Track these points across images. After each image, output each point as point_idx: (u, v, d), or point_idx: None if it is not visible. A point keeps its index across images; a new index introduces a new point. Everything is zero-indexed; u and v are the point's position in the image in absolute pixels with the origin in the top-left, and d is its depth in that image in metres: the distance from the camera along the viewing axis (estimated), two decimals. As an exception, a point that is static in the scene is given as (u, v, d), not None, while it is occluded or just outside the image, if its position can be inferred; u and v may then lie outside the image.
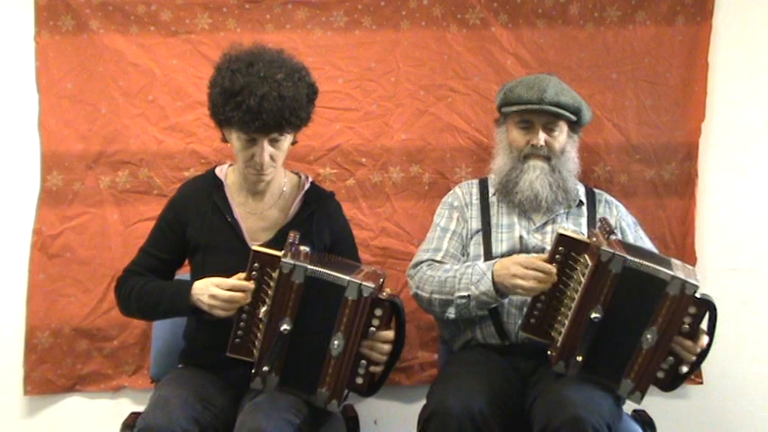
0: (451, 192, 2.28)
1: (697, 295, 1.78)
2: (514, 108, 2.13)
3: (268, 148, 1.89)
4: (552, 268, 1.83)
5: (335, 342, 1.75)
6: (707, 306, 1.80)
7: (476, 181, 2.28)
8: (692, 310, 1.79)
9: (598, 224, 1.98)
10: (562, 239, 1.85)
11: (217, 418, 1.84)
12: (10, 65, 2.53)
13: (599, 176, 2.56)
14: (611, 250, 1.78)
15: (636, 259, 1.78)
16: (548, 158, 2.12)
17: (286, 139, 1.93)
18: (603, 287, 1.79)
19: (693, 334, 1.80)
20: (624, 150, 2.59)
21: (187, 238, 2.00)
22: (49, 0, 2.49)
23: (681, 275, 1.76)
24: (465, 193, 2.24)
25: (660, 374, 1.83)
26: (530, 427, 1.84)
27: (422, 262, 2.13)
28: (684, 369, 1.82)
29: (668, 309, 1.77)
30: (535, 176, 2.11)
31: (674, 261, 1.85)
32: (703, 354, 1.82)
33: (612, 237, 1.84)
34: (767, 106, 2.61)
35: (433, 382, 2.02)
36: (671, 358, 1.82)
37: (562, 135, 2.14)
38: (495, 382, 1.89)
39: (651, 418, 2.09)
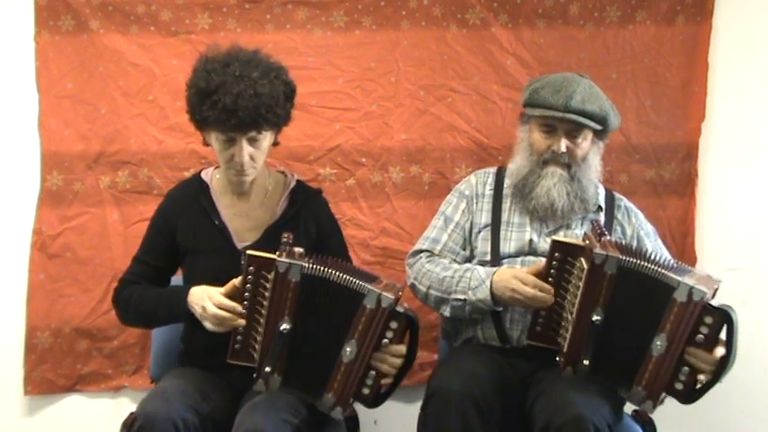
0: (466, 179, 2.24)
1: (714, 304, 1.73)
2: (537, 112, 2.05)
3: (247, 148, 1.89)
4: (550, 288, 1.84)
5: (348, 349, 1.74)
6: (724, 316, 1.73)
7: (493, 170, 2.22)
8: (708, 319, 1.73)
9: (590, 226, 1.96)
10: (556, 246, 1.85)
11: (215, 411, 1.84)
12: (10, 65, 2.53)
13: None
14: (604, 252, 1.77)
15: (632, 260, 1.78)
16: (568, 166, 2.05)
17: (265, 138, 1.92)
18: (601, 289, 1.78)
19: (710, 345, 1.73)
20: (624, 150, 2.58)
21: (177, 243, 2.01)
22: (48, 0, 2.49)
23: (689, 281, 1.72)
24: (480, 182, 2.19)
25: (679, 386, 1.78)
26: (531, 425, 1.85)
27: (420, 251, 2.13)
28: (702, 379, 1.75)
29: (676, 315, 1.73)
30: (553, 183, 2.04)
31: (694, 270, 1.79)
32: (722, 366, 1.73)
33: (605, 238, 1.83)
34: (767, 106, 2.61)
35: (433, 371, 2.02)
36: (686, 368, 1.76)
37: (585, 142, 2.06)
38: (496, 371, 1.90)
39: (651, 419, 2.09)
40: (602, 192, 2.18)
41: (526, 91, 2.12)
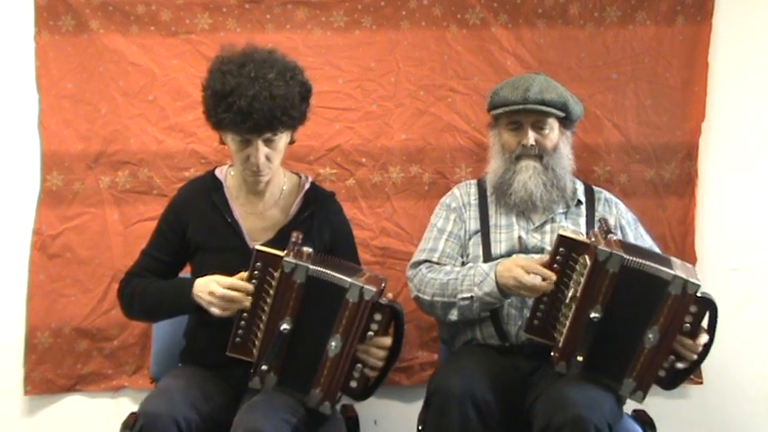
0: (449, 193, 2.27)
1: (698, 294, 1.79)
2: (500, 110, 2.12)
3: (263, 149, 1.89)
4: (551, 274, 1.84)
5: (333, 343, 1.75)
6: (708, 305, 1.81)
7: (474, 181, 2.28)
8: (693, 308, 1.80)
9: (597, 224, 1.98)
10: (562, 240, 1.85)
11: (216, 411, 1.84)
12: (10, 65, 2.53)
13: (599, 176, 2.56)
14: (608, 249, 1.78)
15: (635, 258, 1.79)
16: (539, 157, 2.11)
17: (281, 139, 1.92)
18: (602, 287, 1.80)
19: (694, 333, 1.81)
20: (624, 150, 2.59)
21: (187, 239, 2.00)
22: (48, 0, 2.49)
23: (682, 275, 1.77)
24: (463, 193, 2.24)
25: (662, 373, 1.85)
26: (530, 425, 1.85)
27: (420, 263, 2.13)
28: (681, 365, 1.84)
29: (670, 308, 1.78)
30: (528, 176, 2.10)
31: (674, 260, 1.86)
32: (704, 352, 1.84)
33: (611, 236, 1.84)
34: (767, 106, 2.61)
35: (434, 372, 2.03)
36: (672, 357, 1.83)
37: (553, 132, 2.13)
38: (496, 372, 1.90)
39: (651, 418, 2.10)
40: (580, 186, 2.22)
41: (488, 97, 2.20)
